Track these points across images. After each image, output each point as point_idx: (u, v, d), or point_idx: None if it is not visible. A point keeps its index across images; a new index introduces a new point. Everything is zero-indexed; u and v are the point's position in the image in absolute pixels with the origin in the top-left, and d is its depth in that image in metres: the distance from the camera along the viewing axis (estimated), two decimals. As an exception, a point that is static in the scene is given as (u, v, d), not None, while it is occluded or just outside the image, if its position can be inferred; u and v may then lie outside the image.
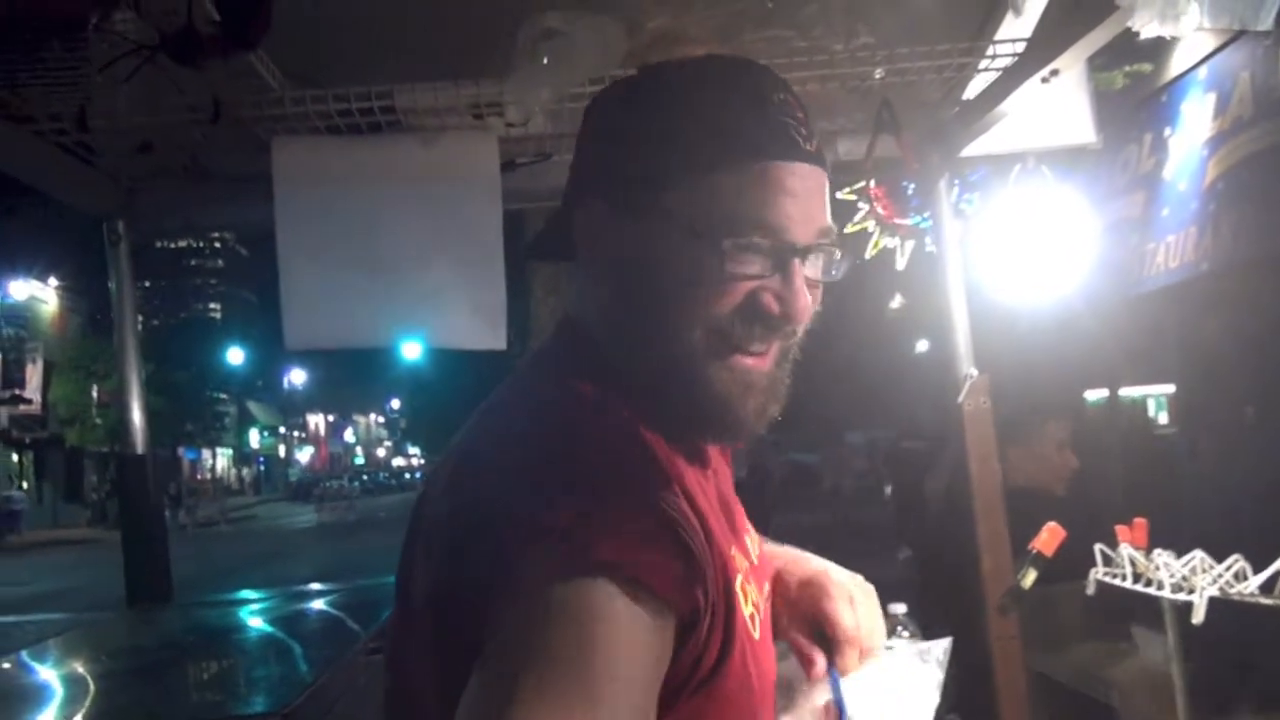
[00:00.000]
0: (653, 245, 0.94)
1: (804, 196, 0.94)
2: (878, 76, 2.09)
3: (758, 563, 1.09)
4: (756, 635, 0.96)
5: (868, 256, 4.69)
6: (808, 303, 0.95)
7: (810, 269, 0.96)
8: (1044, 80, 1.93)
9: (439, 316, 2.21)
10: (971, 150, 2.38)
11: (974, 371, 2.38)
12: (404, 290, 2.18)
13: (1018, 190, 2.53)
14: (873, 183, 4.41)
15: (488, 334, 2.21)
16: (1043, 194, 2.53)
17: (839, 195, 4.81)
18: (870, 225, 4.68)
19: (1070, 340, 4.26)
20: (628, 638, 0.78)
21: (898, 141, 2.21)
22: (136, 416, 2.38)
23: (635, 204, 0.95)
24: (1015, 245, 2.56)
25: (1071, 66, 1.94)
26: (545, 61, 1.90)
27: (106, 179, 2.25)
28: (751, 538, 1.11)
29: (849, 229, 4.79)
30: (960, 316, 2.41)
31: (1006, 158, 2.49)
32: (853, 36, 2.04)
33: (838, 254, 0.98)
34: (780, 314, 0.94)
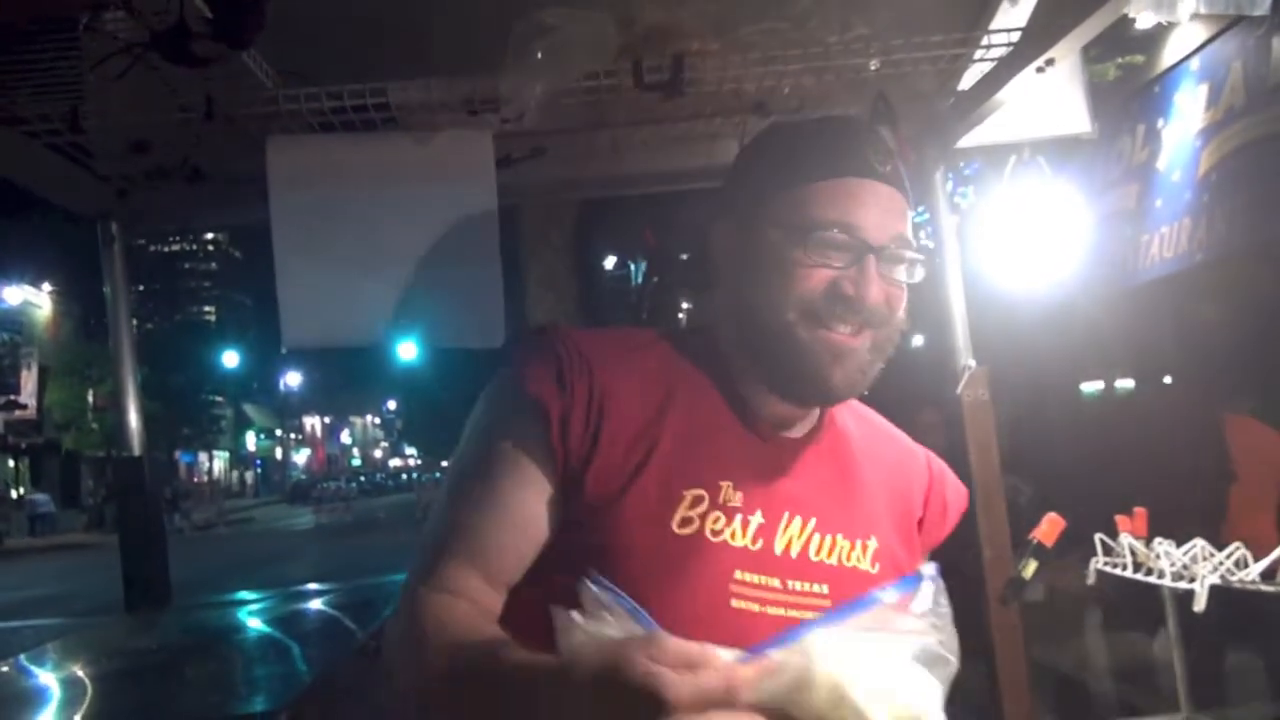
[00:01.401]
0: (762, 246, 1.21)
1: (877, 207, 1.19)
2: (873, 68, 2.08)
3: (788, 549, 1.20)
4: (673, 527, 1.15)
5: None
6: (881, 291, 1.18)
7: (889, 270, 1.20)
8: (1039, 70, 1.92)
9: (436, 315, 2.19)
10: (967, 141, 2.37)
11: (972, 363, 2.37)
12: (401, 289, 2.17)
13: (1013, 182, 2.53)
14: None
15: (485, 332, 2.20)
16: (1038, 186, 2.53)
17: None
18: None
19: (1068, 332, 4.26)
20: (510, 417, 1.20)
21: (894, 134, 2.20)
22: (133, 418, 2.37)
23: (751, 216, 1.23)
24: (1011, 237, 2.56)
25: (1067, 55, 1.93)
26: (539, 57, 1.89)
27: (99, 180, 2.24)
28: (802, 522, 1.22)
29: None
30: (958, 309, 2.40)
31: (1002, 149, 2.49)
32: (847, 29, 2.03)
33: (917, 261, 1.22)
34: (855, 297, 1.17)
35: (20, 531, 29.18)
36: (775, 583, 1.17)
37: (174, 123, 1.96)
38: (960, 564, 2.45)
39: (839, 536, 1.24)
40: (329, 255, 2.14)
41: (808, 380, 1.20)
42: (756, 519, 1.19)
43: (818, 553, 1.21)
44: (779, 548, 1.19)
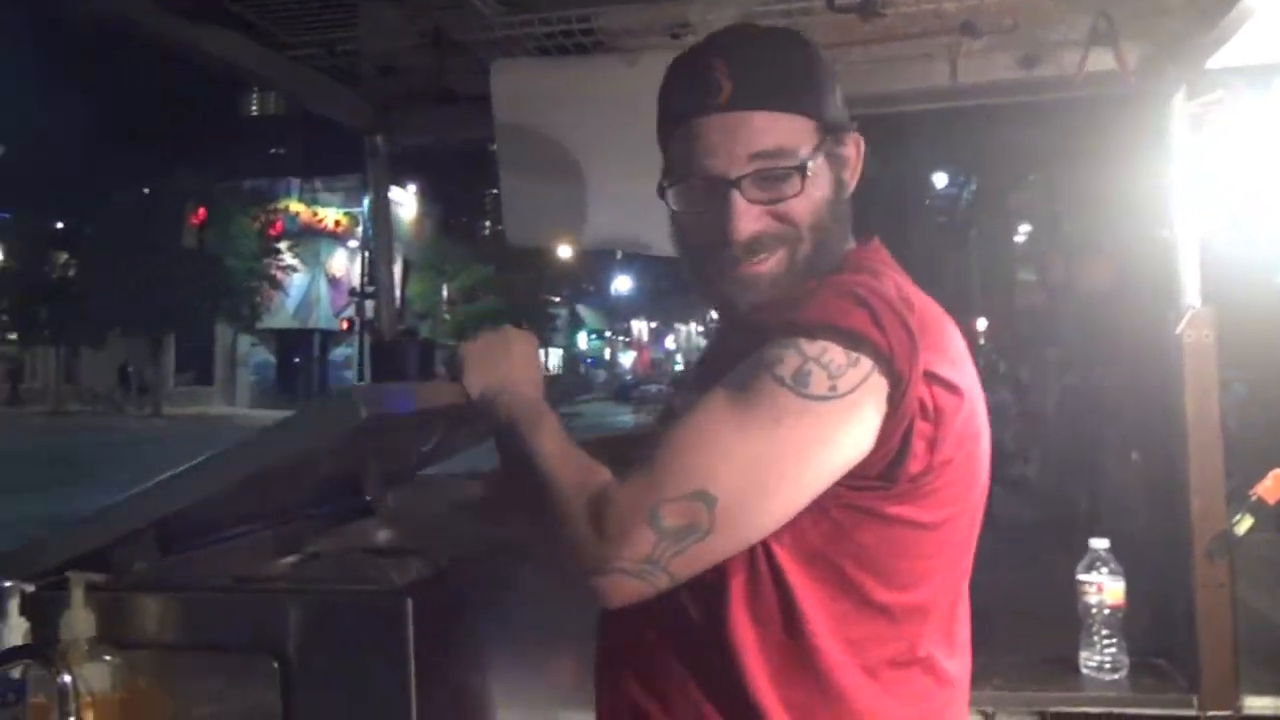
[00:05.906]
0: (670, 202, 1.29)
1: (723, 140, 1.19)
2: (1088, -17, 1.96)
3: None
4: None
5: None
6: (758, 219, 1.20)
7: (766, 190, 1.20)
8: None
9: (640, 223, 2.33)
10: (1217, 62, 2.17)
11: (1197, 302, 2.21)
12: (610, 199, 2.33)
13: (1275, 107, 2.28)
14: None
15: None
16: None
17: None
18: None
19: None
20: None
21: (1115, 54, 2.07)
22: (387, 311, 2.77)
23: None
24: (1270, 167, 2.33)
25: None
26: (731, -19, 1.95)
27: (363, 99, 2.55)
28: None
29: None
30: (1185, 243, 2.23)
31: (1262, 70, 2.25)
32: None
33: (803, 163, 1.20)
34: (728, 234, 1.20)
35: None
36: None
37: (412, 48, 2.21)
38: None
39: None
40: (546, 166, 2.34)
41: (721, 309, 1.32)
42: None
43: None
44: None
